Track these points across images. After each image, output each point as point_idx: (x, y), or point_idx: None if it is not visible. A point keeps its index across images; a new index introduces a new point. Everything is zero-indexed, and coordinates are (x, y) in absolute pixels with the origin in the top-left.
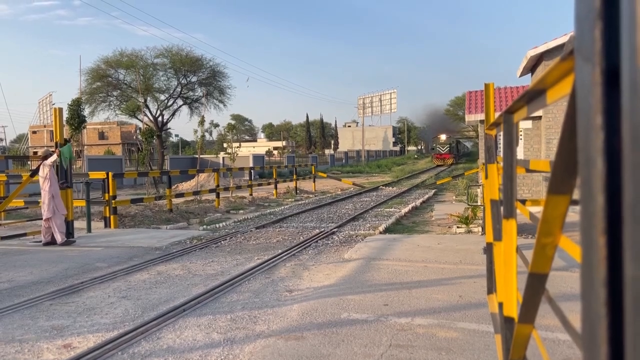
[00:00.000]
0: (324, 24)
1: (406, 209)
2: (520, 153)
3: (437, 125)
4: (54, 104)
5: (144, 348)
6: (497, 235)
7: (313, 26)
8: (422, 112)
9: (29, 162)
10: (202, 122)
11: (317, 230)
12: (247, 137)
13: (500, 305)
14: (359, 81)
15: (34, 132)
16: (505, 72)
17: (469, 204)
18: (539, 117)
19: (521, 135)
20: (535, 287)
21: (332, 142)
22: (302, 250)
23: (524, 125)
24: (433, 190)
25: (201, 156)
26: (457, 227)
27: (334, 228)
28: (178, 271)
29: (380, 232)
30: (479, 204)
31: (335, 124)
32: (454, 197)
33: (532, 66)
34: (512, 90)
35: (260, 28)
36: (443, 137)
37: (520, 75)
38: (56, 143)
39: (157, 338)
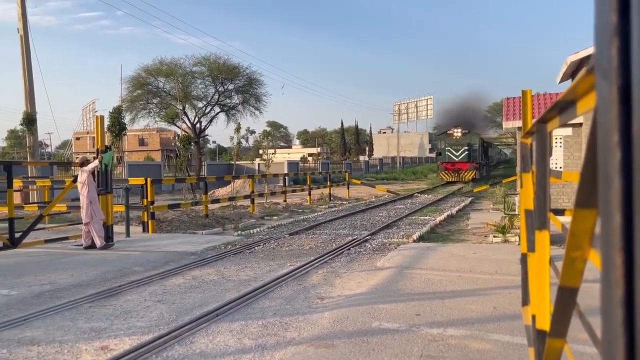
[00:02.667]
0: (359, 30)
1: (441, 217)
2: (560, 161)
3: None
4: (96, 111)
5: (177, 352)
6: (531, 247)
7: (348, 32)
8: (459, 118)
9: (72, 168)
10: (238, 129)
11: (350, 238)
12: (282, 144)
13: (533, 317)
14: (394, 87)
15: (78, 139)
16: (546, 78)
17: (505, 213)
18: (580, 124)
19: (561, 142)
20: (566, 301)
21: (367, 148)
22: (334, 257)
23: (564, 132)
24: (470, 198)
25: (237, 162)
26: (494, 237)
27: (367, 236)
28: (212, 276)
29: (414, 241)
30: (516, 213)
31: (370, 130)
32: (491, 205)
33: (573, 72)
34: (552, 97)
35: (295, 35)
36: (458, 132)
37: (560, 82)
38: (97, 150)
39: (191, 342)
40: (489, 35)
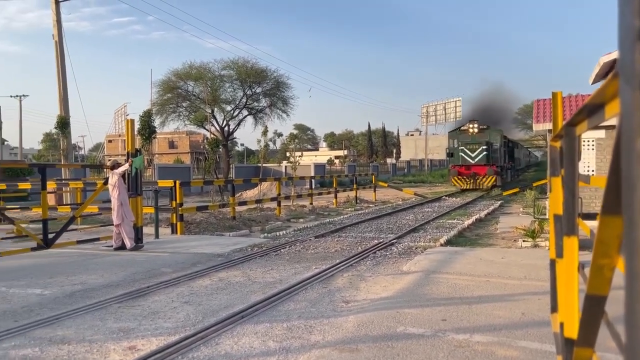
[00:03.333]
0: (387, 32)
1: (469, 221)
2: (592, 164)
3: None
4: (127, 115)
5: (202, 353)
6: (559, 252)
7: (377, 35)
8: (488, 119)
9: (104, 170)
10: (265, 132)
11: (376, 241)
12: (309, 146)
13: (561, 325)
14: (422, 89)
15: (110, 141)
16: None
17: (535, 217)
18: (613, 127)
19: (593, 145)
20: (594, 309)
21: (394, 151)
22: (360, 260)
23: (597, 134)
24: (499, 202)
25: (264, 165)
26: (523, 241)
27: (393, 239)
28: (238, 278)
29: (441, 245)
30: (546, 217)
31: (398, 133)
32: (521, 209)
33: (605, 73)
34: (584, 99)
35: (322, 39)
36: (474, 127)
37: (593, 83)
38: (128, 153)
39: (216, 344)
40: (521, 37)
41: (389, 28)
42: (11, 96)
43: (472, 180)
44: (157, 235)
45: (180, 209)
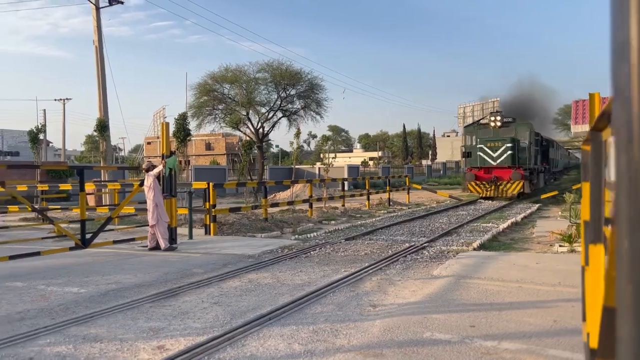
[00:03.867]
0: (423, 32)
1: (505, 225)
2: None
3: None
4: (165, 117)
5: (228, 354)
6: (586, 260)
7: (412, 35)
8: (528, 119)
9: (141, 172)
10: (297, 135)
11: (407, 244)
12: (343, 148)
13: (587, 335)
14: (458, 90)
15: (149, 143)
16: None
17: (571, 221)
18: None
19: None
20: (610, 321)
21: (430, 152)
22: (389, 264)
23: None
24: (537, 205)
25: (297, 167)
26: (559, 246)
27: (425, 243)
28: (267, 280)
29: (474, 249)
30: None
31: (434, 134)
32: (560, 212)
33: None
34: None
35: (357, 40)
36: (496, 120)
37: None
38: (163, 155)
39: (242, 345)
40: (560, 35)
41: (425, 28)
42: (55, 99)
43: (492, 187)
44: (190, 236)
45: (213, 210)
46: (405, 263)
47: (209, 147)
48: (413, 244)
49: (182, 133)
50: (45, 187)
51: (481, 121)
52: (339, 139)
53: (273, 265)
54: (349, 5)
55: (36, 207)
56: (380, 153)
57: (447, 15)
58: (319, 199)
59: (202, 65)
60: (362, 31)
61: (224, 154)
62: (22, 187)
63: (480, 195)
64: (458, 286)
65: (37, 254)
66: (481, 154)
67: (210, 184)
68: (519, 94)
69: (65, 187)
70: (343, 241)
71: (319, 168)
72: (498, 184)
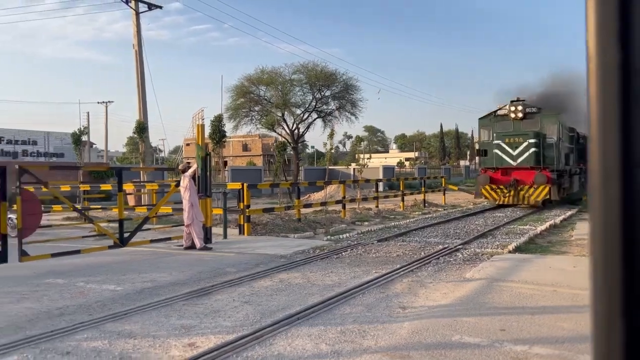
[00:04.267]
0: (459, 31)
1: (543, 227)
2: None
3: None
4: (203, 119)
5: (256, 353)
6: None
7: (448, 34)
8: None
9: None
10: (331, 135)
11: (441, 247)
12: (379, 148)
13: None
14: (498, 89)
15: (188, 144)
16: None
17: None
18: None
19: None
20: None
21: (468, 152)
22: (421, 266)
23: None
24: (577, 207)
25: (332, 167)
26: None
27: (459, 245)
28: (298, 280)
29: (510, 251)
30: None
31: (472, 134)
32: None
33: None
34: None
35: (392, 40)
36: (517, 110)
37: None
38: (198, 156)
39: (270, 344)
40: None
41: (461, 27)
42: (98, 102)
43: (512, 192)
44: (225, 236)
45: (247, 210)
46: (438, 265)
47: (245, 148)
48: (447, 246)
49: (218, 135)
50: (87, 187)
51: (499, 112)
52: (375, 140)
53: (304, 266)
54: (384, 5)
55: (78, 206)
56: (416, 154)
57: (486, 13)
58: (353, 200)
59: (240, 68)
60: (398, 31)
61: (260, 155)
62: (65, 188)
63: (497, 202)
64: (491, 289)
65: (78, 252)
66: (498, 151)
67: (244, 184)
68: (553, 85)
69: (106, 187)
70: (375, 242)
71: (354, 169)
72: (518, 188)
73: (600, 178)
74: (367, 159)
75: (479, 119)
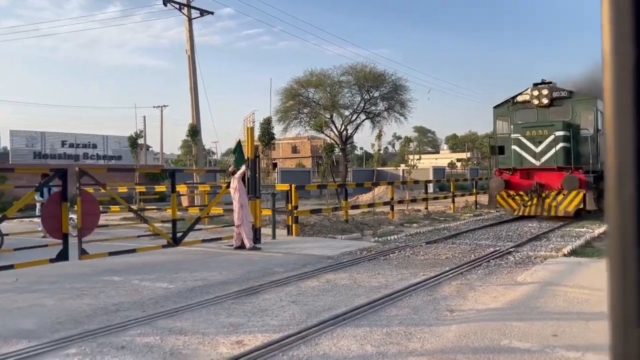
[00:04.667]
0: (511, 28)
1: (601, 230)
2: None
3: None
4: (253, 122)
5: (302, 352)
6: None
7: (499, 32)
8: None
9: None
10: (379, 136)
11: (492, 249)
12: (429, 149)
13: None
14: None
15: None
16: None
17: None
18: None
19: None
20: None
21: None
22: (471, 269)
23: None
24: None
25: (380, 168)
26: None
27: (511, 247)
28: (345, 281)
29: (564, 255)
30: None
31: None
32: None
33: None
34: None
35: (443, 39)
36: (542, 95)
37: None
38: (248, 158)
39: (315, 344)
40: None
41: (512, 24)
42: (154, 106)
43: (534, 199)
44: (274, 236)
45: (295, 211)
46: (488, 268)
47: (295, 150)
48: (498, 248)
49: (267, 137)
50: (142, 188)
51: (518, 97)
52: (425, 140)
53: (351, 267)
54: (434, 5)
55: (134, 207)
56: (468, 154)
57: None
58: (401, 202)
59: (289, 71)
60: (448, 30)
61: (309, 157)
62: (122, 189)
63: (515, 213)
64: (543, 293)
65: (133, 251)
66: (517, 148)
67: (292, 186)
68: (594, 70)
69: (160, 188)
70: (424, 244)
71: (403, 170)
72: (543, 195)
73: (616, 176)
74: (417, 159)
75: (494, 107)
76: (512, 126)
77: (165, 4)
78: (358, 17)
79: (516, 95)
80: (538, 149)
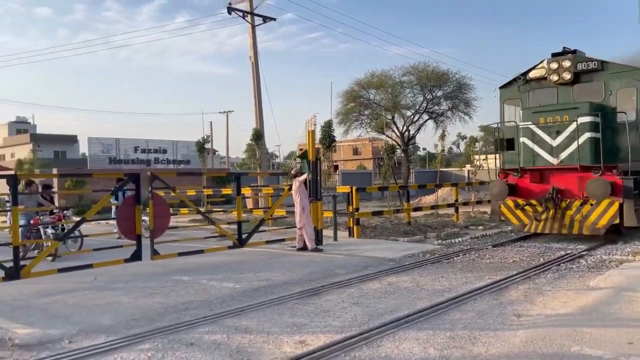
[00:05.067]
0: (576, 20)
1: None
2: None
3: None
4: (315, 125)
5: (364, 353)
6: None
7: (569, 26)
8: None
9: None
10: (442, 137)
11: (563, 252)
12: None
13: None
14: None
15: (301, 150)
16: None
17: None
18: None
19: None
20: None
21: None
22: (540, 273)
23: None
24: None
25: (443, 169)
26: None
27: (583, 251)
28: (407, 284)
29: None
30: None
31: None
32: None
33: None
34: None
35: (507, 34)
36: (563, 69)
37: None
38: (309, 161)
39: (377, 346)
40: None
41: (585, 18)
42: (220, 112)
43: (550, 209)
44: (335, 238)
45: (356, 213)
46: (559, 272)
47: (356, 152)
48: (570, 251)
49: (328, 140)
50: (209, 191)
51: (531, 73)
52: (491, 140)
53: (413, 270)
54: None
55: (201, 209)
56: None
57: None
58: (466, 203)
59: (350, 73)
60: (514, 24)
61: (371, 158)
62: (191, 192)
63: (526, 230)
64: (618, 299)
65: (201, 251)
66: (527, 141)
67: (353, 188)
68: None
69: (227, 191)
70: (490, 247)
71: (468, 171)
72: (562, 205)
73: None
74: (483, 160)
75: (500, 87)
76: (521, 111)
77: (229, 13)
78: (419, 17)
79: (528, 70)
80: (555, 142)
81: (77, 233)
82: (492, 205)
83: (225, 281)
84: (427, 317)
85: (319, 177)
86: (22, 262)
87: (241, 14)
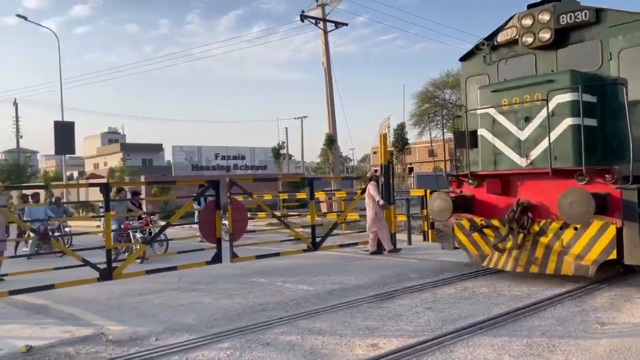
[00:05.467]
0: None
1: None
2: None
3: None
4: (389, 127)
5: (436, 358)
6: None
7: None
8: None
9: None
10: None
11: None
12: None
13: None
14: None
15: (375, 153)
16: None
17: None
18: None
19: None
20: None
21: None
22: (629, 280)
23: None
24: None
25: None
26: None
27: None
28: (484, 289)
29: None
30: None
31: None
32: None
33: None
34: None
35: None
36: (543, 25)
37: None
38: (381, 165)
39: (450, 351)
40: None
41: None
42: (294, 118)
43: (519, 235)
44: (409, 242)
45: (430, 217)
46: None
47: (431, 153)
48: None
49: (400, 142)
50: (285, 196)
51: (499, 36)
52: None
53: (492, 275)
54: None
55: (277, 214)
56: None
57: None
58: None
59: (426, 73)
60: None
61: (447, 160)
62: (267, 197)
63: (485, 264)
64: None
65: (277, 254)
66: (485, 133)
67: (427, 190)
68: None
69: (301, 195)
70: None
71: None
72: (533, 229)
73: None
74: None
75: (460, 60)
76: (479, 91)
77: (302, 20)
78: (495, 12)
79: (495, 32)
80: (524, 134)
81: (162, 237)
82: (441, 228)
83: (300, 283)
84: (504, 323)
85: (391, 180)
86: (113, 264)
87: (314, 20)
